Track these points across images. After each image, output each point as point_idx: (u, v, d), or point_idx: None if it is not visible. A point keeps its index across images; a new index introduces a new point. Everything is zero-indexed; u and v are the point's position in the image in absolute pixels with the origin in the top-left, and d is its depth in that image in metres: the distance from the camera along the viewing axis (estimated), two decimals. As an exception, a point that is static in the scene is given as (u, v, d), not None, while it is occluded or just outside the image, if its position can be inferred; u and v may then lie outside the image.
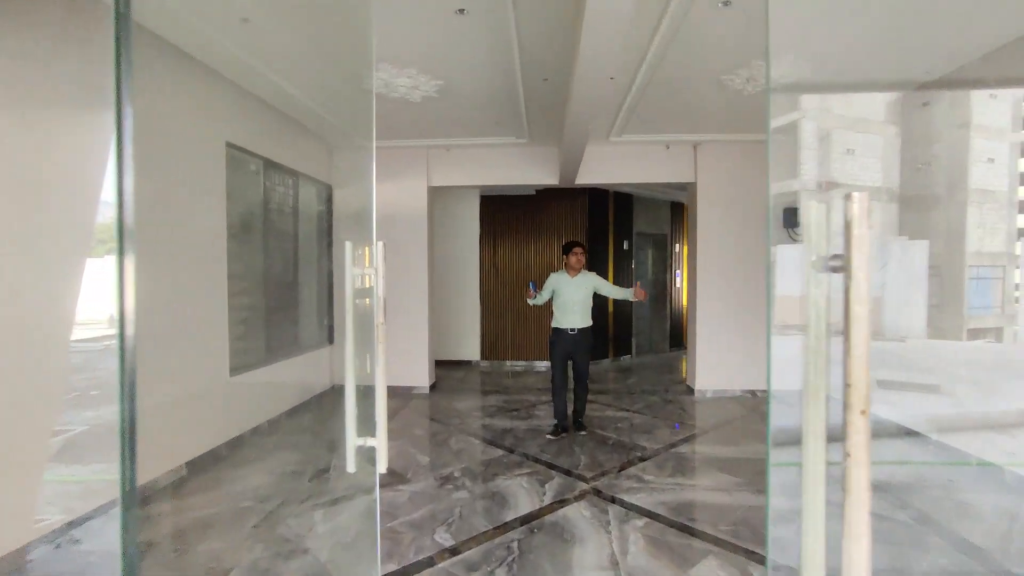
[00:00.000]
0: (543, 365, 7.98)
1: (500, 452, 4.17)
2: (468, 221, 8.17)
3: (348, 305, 1.42)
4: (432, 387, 6.43)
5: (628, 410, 5.43)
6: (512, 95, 4.46)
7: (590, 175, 6.20)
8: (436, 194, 7.82)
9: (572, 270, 4.60)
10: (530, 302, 4.59)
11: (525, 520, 3.04)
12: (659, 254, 9.45)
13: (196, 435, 3.88)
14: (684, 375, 7.33)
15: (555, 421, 4.61)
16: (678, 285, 9.61)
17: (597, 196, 8.12)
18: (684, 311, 9.83)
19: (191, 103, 3.87)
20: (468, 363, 8.17)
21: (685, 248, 9.74)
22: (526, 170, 6.26)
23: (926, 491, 3.48)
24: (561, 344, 4.60)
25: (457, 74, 4.03)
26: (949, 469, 3.82)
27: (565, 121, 4.40)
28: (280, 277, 5.16)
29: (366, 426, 1.44)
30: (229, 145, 4.24)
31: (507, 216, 8.11)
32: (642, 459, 4.01)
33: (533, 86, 4.24)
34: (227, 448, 4.12)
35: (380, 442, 1.42)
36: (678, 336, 9.69)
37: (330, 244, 6.25)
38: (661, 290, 9.43)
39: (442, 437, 4.56)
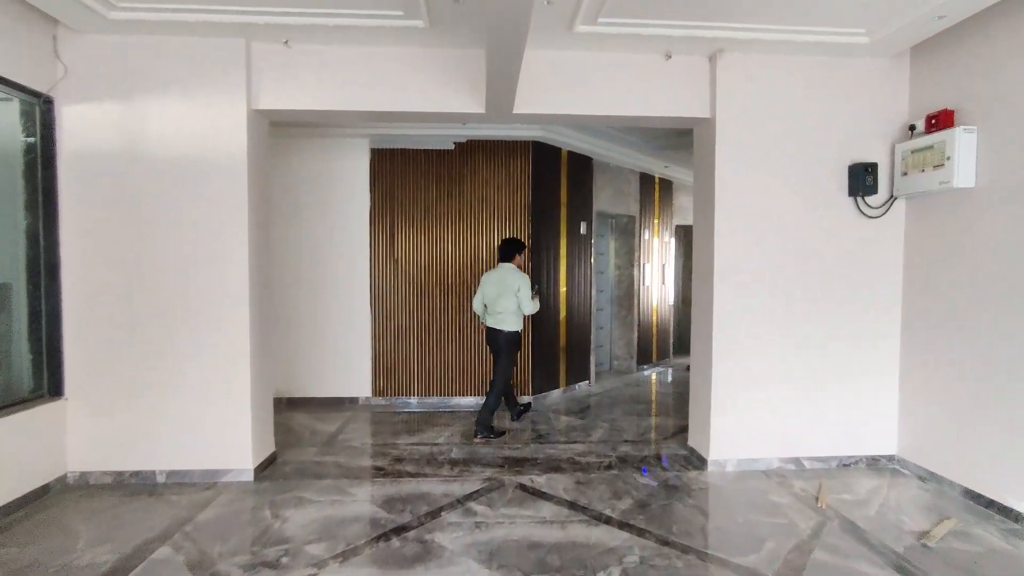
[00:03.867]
0: (463, 404, 5.40)
1: None
2: (352, 188, 5.41)
3: None
4: (265, 465, 3.67)
5: (609, 519, 2.95)
6: None
7: (537, 102, 3.65)
8: (280, 135, 5.04)
9: None
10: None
11: None
12: (625, 242, 7.10)
13: None
14: (676, 421, 4.98)
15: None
16: (647, 284, 7.32)
17: (545, 155, 5.61)
18: (654, 316, 7.56)
19: None
20: (352, 401, 5.43)
21: (656, 235, 7.47)
22: (428, 88, 3.61)
23: None
24: None
25: None
26: None
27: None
28: None
29: None
30: None
31: (413, 182, 5.43)
32: None
33: None
34: None
35: None
36: (647, 350, 7.41)
37: (47, 208, 3.31)
38: (627, 291, 7.09)
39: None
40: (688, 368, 7.83)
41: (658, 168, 7.17)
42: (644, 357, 7.31)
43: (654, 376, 7.03)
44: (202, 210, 3.40)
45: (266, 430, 3.75)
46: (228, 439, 3.46)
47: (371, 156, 5.37)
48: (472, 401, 5.44)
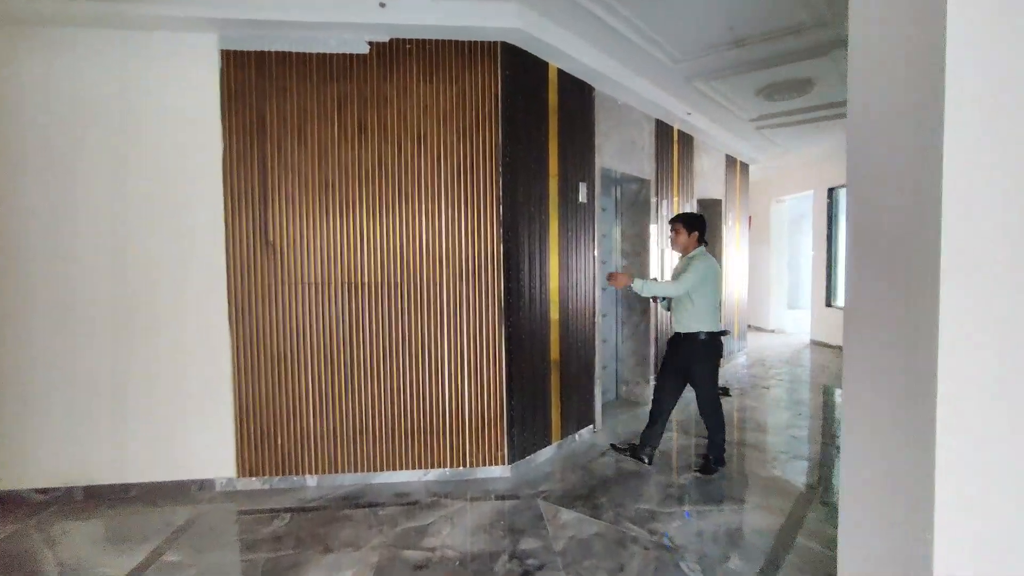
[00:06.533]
0: (397, 483, 3.21)
1: None
2: (188, 121, 3.12)
3: None
4: None
5: None
6: None
7: None
8: (31, 19, 2.69)
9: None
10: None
11: None
12: (636, 218, 5.01)
13: None
14: (755, 516, 2.89)
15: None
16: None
17: (522, 70, 3.42)
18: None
19: None
20: (205, 487, 3.18)
21: (675, 203, 5.43)
22: None
23: None
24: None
25: None
26: None
27: None
28: None
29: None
30: None
31: (299, 110, 3.17)
32: None
33: None
34: None
35: None
36: (666, 370, 5.32)
37: None
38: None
39: None
40: (724, 391, 5.67)
41: (679, 114, 5.09)
42: (663, 379, 5.23)
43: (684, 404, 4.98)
44: None
45: None
46: None
47: (223, 64, 3.10)
48: (413, 477, 3.27)
